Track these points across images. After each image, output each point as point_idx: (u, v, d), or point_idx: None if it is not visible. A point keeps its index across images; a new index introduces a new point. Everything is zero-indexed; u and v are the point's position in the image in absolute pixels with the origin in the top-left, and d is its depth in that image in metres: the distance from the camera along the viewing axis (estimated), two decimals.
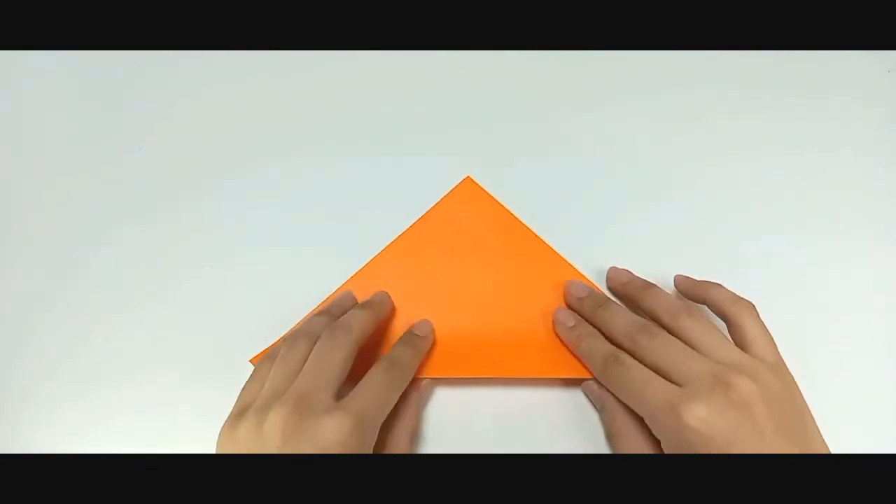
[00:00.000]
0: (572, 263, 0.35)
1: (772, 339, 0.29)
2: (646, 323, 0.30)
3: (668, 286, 0.33)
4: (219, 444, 0.28)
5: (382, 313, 0.33)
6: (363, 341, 0.30)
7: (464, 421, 0.33)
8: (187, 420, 0.33)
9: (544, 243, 0.36)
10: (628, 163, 0.39)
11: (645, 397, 0.28)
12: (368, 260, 0.36)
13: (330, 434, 0.25)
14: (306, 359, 0.29)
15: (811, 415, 0.28)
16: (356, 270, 0.35)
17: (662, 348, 0.29)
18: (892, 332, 0.35)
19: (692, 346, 0.28)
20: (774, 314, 0.35)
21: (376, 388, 0.28)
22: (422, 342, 0.33)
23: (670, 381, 0.28)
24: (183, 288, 0.36)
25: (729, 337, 0.30)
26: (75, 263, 0.37)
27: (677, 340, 0.29)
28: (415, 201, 0.37)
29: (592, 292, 0.34)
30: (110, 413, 0.34)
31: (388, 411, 0.29)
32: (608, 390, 0.31)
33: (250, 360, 0.33)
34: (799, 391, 0.28)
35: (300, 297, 0.35)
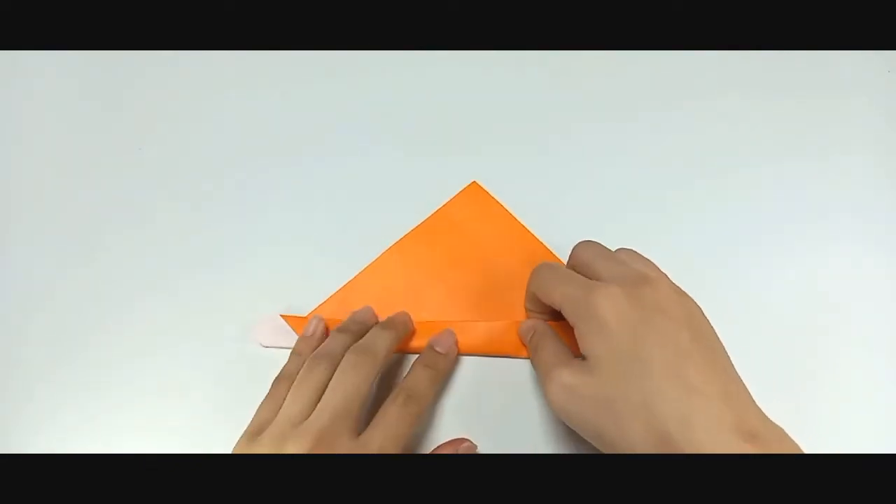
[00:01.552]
0: None
1: None
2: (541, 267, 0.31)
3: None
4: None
5: (404, 335, 0.33)
6: (385, 366, 0.30)
7: (464, 421, 0.33)
8: (187, 419, 0.33)
9: (548, 250, 0.36)
10: (632, 166, 0.39)
11: (568, 286, 0.28)
12: (371, 261, 0.36)
13: None
14: (326, 383, 0.28)
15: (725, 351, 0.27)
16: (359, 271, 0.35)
17: (590, 256, 0.29)
18: (893, 333, 0.35)
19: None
20: (773, 318, 0.35)
21: (393, 426, 0.28)
22: (443, 361, 0.32)
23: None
24: (184, 288, 0.36)
25: None
26: (75, 263, 0.37)
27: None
28: (420, 204, 0.37)
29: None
30: (109, 413, 0.34)
31: (404, 444, 0.28)
32: (541, 321, 0.32)
33: (282, 315, 0.34)
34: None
35: (303, 298, 0.35)
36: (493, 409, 0.33)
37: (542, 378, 0.29)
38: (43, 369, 0.34)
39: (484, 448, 0.32)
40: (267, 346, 0.34)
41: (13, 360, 0.35)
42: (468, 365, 0.34)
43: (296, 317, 0.34)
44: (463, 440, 0.31)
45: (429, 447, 0.32)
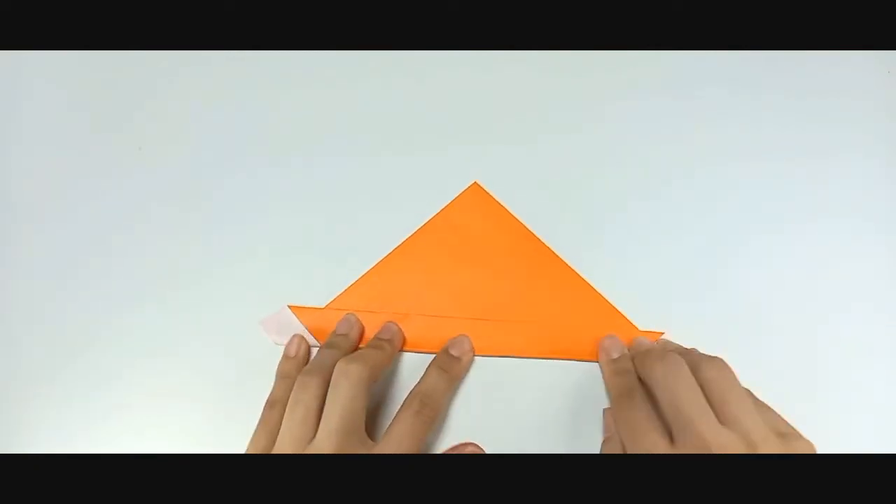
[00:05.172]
0: (578, 267, 0.36)
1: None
2: (676, 360, 0.28)
3: (671, 291, 0.33)
4: None
5: (395, 350, 0.33)
6: (379, 375, 0.30)
7: (463, 420, 0.33)
8: (189, 421, 0.33)
9: (550, 251, 0.36)
10: (633, 166, 0.39)
11: (638, 445, 0.27)
12: (374, 264, 0.36)
13: None
14: (321, 399, 0.28)
15: None
16: (361, 274, 0.35)
17: (684, 395, 0.27)
18: (893, 333, 0.35)
19: (713, 403, 0.26)
20: (773, 318, 0.35)
21: (408, 434, 0.28)
22: (457, 366, 0.32)
23: (671, 433, 0.27)
24: (183, 289, 0.36)
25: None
26: (74, 263, 0.37)
27: (699, 392, 0.27)
28: (422, 205, 0.37)
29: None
30: (110, 414, 0.34)
31: (418, 451, 0.28)
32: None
33: (289, 306, 0.34)
34: None
35: (304, 301, 0.35)
36: (494, 409, 0.33)
37: (634, 439, 0.28)
38: (43, 370, 0.35)
39: (485, 448, 0.32)
40: (277, 343, 0.34)
41: (13, 360, 0.35)
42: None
43: (302, 308, 0.34)
44: (467, 444, 0.31)
45: (432, 448, 0.32)
